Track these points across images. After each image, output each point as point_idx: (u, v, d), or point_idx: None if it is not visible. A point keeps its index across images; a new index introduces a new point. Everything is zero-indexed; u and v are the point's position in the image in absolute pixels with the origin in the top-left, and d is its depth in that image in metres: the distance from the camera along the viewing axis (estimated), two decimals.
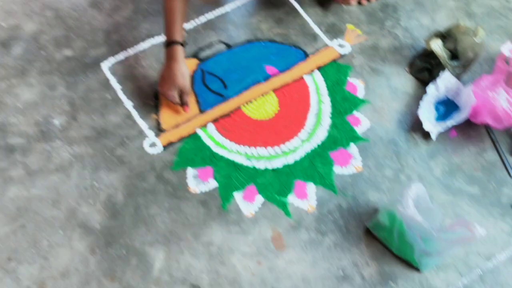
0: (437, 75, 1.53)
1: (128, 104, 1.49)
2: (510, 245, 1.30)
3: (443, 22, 1.72)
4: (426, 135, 1.47)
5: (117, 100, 1.50)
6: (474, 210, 1.35)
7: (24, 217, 1.30)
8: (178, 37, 1.41)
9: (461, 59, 1.53)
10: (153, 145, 1.43)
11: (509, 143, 1.47)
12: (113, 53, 1.59)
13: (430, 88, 1.50)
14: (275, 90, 1.55)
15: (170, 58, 1.41)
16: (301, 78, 1.58)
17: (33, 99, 1.49)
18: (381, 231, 1.28)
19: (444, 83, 1.51)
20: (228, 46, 1.63)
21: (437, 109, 1.52)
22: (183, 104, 1.46)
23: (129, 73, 1.55)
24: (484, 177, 1.41)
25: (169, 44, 1.41)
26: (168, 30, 1.41)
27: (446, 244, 1.15)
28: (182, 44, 1.41)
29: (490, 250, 1.29)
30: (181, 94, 1.45)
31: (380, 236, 1.28)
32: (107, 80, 1.53)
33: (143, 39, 1.62)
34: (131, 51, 1.60)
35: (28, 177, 1.36)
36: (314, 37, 1.67)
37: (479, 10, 1.77)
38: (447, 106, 1.53)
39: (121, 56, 1.59)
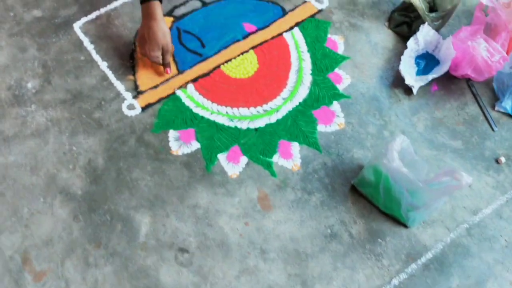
0: (416, 28, 1.52)
1: (103, 65, 1.44)
2: (495, 198, 1.32)
3: None
4: (407, 91, 1.46)
5: (91, 61, 1.44)
6: (458, 164, 1.36)
7: (2, 184, 1.26)
8: None
9: (439, 11, 1.52)
10: (131, 107, 1.39)
11: (490, 96, 1.48)
12: (85, 12, 1.52)
13: (410, 42, 1.49)
14: (254, 48, 1.51)
15: (148, 16, 1.34)
16: (280, 35, 1.54)
17: (3, 62, 1.42)
18: (367, 187, 1.28)
19: (424, 36, 1.50)
20: (204, 3, 1.58)
21: (417, 63, 1.52)
22: (165, 64, 1.41)
23: (102, 33, 1.49)
24: (466, 131, 1.42)
25: (146, 0, 1.34)
26: None
27: (433, 195, 1.15)
28: (159, 0, 1.35)
29: (476, 204, 1.31)
30: (163, 54, 1.39)
31: (366, 192, 1.29)
32: (79, 41, 1.47)
33: None
34: (102, 10, 1.53)
35: (3, 143, 1.31)
36: None
37: None
38: (427, 60, 1.52)
39: (92, 15, 1.52)
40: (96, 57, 1.45)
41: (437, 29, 1.53)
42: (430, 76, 1.45)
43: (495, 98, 1.48)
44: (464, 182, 1.12)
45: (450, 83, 1.49)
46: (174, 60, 1.47)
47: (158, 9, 1.34)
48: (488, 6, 1.45)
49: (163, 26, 1.35)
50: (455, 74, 1.47)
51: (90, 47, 1.46)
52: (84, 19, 1.51)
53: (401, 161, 1.17)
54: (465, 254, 1.24)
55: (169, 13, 1.54)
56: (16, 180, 1.27)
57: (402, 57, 1.47)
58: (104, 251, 1.19)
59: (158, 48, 1.36)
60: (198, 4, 1.57)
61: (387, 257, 1.22)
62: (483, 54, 1.39)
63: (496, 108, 1.46)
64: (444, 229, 1.27)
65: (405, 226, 1.27)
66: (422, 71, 1.50)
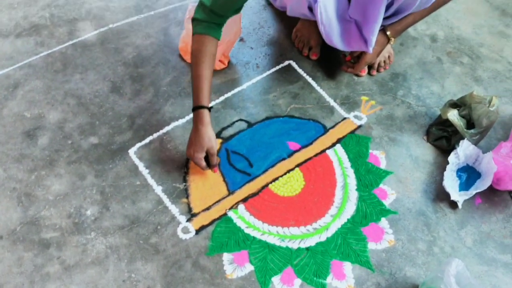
0: (455, 142, 1.57)
1: (158, 189, 1.50)
2: None
3: (452, 88, 1.79)
4: (452, 204, 1.50)
5: (147, 186, 1.51)
6: (509, 279, 1.37)
7: None
8: (205, 102, 1.45)
9: (477, 127, 1.57)
10: (185, 230, 1.43)
11: None
12: (139, 138, 1.61)
13: (451, 157, 1.54)
14: (299, 166, 1.57)
15: (197, 122, 1.45)
16: (324, 152, 1.61)
17: (63, 190, 1.49)
18: None
19: (464, 151, 1.55)
20: (249, 123, 1.67)
21: (459, 176, 1.56)
22: (210, 166, 1.50)
23: (155, 157, 1.57)
24: None
25: (197, 108, 1.45)
26: (195, 95, 1.45)
27: None
28: (208, 109, 1.45)
29: None
30: (209, 156, 1.48)
31: None
32: (135, 166, 1.55)
33: (167, 122, 1.64)
34: (155, 135, 1.62)
35: (65, 273, 1.35)
36: (331, 110, 1.71)
37: (485, 75, 1.84)
38: (468, 173, 1.56)
39: (146, 140, 1.61)
40: (151, 181, 1.52)
41: (476, 143, 1.58)
42: (474, 191, 1.48)
43: None
44: None
45: (493, 195, 1.52)
46: (224, 180, 1.53)
47: (207, 116, 1.45)
48: None
49: (209, 131, 1.45)
50: (498, 188, 1.50)
51: (145, 171, 1.54)
52: (138, 144, 1.60)
53: (458, 285, 1.19)
54: None
55: (217, 135, 1.63)
56: None
57: (445, 173, 1.52)
58: None
59: (202, 150, 1.45)
60: (244, 125, 1.66)
61: None
62: None
63: None
64: None
65: None
66: (464, 184, 1.54)
